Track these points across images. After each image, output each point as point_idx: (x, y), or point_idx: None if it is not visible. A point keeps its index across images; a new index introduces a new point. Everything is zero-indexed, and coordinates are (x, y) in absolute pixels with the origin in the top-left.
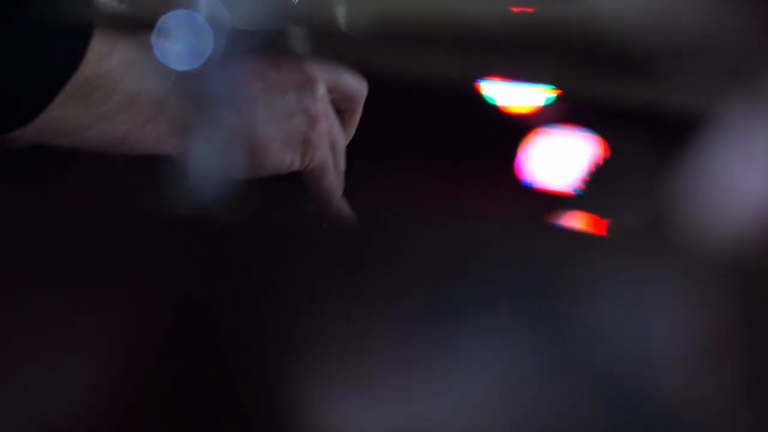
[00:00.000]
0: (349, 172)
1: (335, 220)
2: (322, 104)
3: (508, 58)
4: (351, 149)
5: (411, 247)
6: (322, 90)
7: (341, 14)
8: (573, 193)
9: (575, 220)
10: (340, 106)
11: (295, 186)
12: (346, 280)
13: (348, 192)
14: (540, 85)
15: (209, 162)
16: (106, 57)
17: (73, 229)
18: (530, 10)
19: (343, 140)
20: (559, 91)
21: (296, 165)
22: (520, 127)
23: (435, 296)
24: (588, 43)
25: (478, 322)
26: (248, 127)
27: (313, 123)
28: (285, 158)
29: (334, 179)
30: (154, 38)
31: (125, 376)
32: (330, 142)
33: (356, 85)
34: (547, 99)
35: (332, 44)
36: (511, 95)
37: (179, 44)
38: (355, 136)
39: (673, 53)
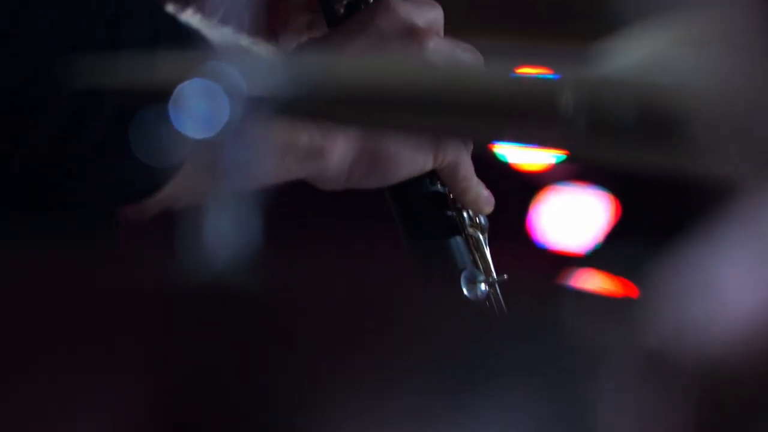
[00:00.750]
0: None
1: (474, 207)
2: None
3: (521, 122)
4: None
5: (422, 310)
6: None
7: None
8: (585, 252)
9: (588, 280)
10: None
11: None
12: (357, 348)
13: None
14: (552, 149)
15: (228, 229)
16: None
17: (91, 298)
18: (545, 72)
19: None
20: (568, 153)
21: (429, 166)
22: (531, 185)
23: (447, 361)
24: (602, 108)
25: (490, 387)
26: (377, 137)
27: None
28: (417, 162)
29: (469, 168)
30: (171, 106)
31: None
32: None
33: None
34: (559, 158)
35: (345, 109)
36: (524, 155)
37: (196, 112)
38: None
39: (687, 119)
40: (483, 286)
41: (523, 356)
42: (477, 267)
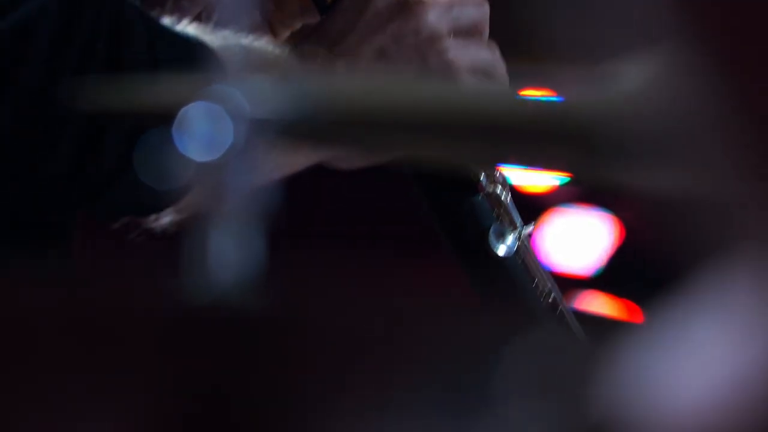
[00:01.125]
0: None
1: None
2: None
3: (524, 145)
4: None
5: (425, 336)
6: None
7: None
8: (590, 274)
9: (592, 303)
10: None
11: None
12: (363, 374)
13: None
14: (555, 172)
15: (231, 249)
16: None
17: (89, 321)
18: (549, 93)
19: (486, 54)
20: (572, 175)
21: None
22: (536, 207)
23: (451, 387)
24: (602, 131)
25: (492, 409)
26: None
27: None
28: None
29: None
30: (174, 129)
31: None
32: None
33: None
34: (563, 180)
35: (350, 132)
36: (528, 176)
37: (200, 135)
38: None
39: (681, 139)
40: (511, 239)
41: (526, 377)
42: (502, 222)
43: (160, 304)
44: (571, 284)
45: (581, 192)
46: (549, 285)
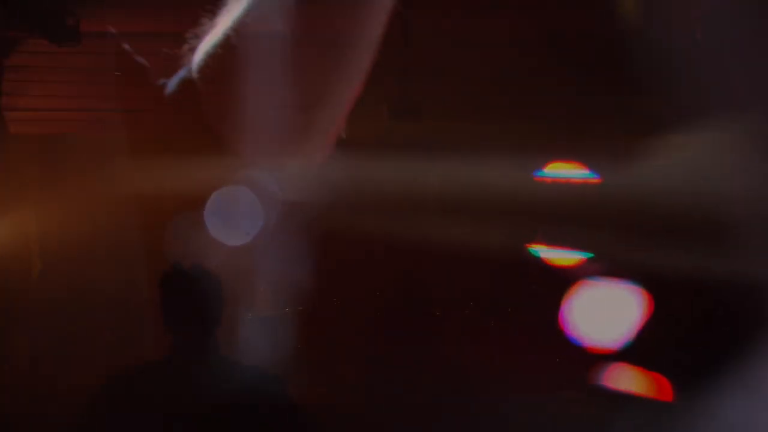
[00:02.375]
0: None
1: None
2: None
3: (553, 226)
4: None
5: (458, 407)
6: None
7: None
8: (619, 347)
9: (622, 378)
10: None
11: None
12: None
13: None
14: (583, 251)
15: (261, 335)
16: None
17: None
18: (578, 167)
19: None
20: (598, 255)
21: None
22: (565, 280)
23: None
24: (630, 213)
25: None
26: None
27: None
28: None
29: None
30: (206, 213)
31: None
32: None
33: None
34: (590, 254)
35: (380, 216)
36: (557, 252)
37: (231, 219)
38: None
39: (717, 222)
40: None
41: None
42: None
43: (193, 394)
44: (600, 358)
45: (611, 266)
46: None
